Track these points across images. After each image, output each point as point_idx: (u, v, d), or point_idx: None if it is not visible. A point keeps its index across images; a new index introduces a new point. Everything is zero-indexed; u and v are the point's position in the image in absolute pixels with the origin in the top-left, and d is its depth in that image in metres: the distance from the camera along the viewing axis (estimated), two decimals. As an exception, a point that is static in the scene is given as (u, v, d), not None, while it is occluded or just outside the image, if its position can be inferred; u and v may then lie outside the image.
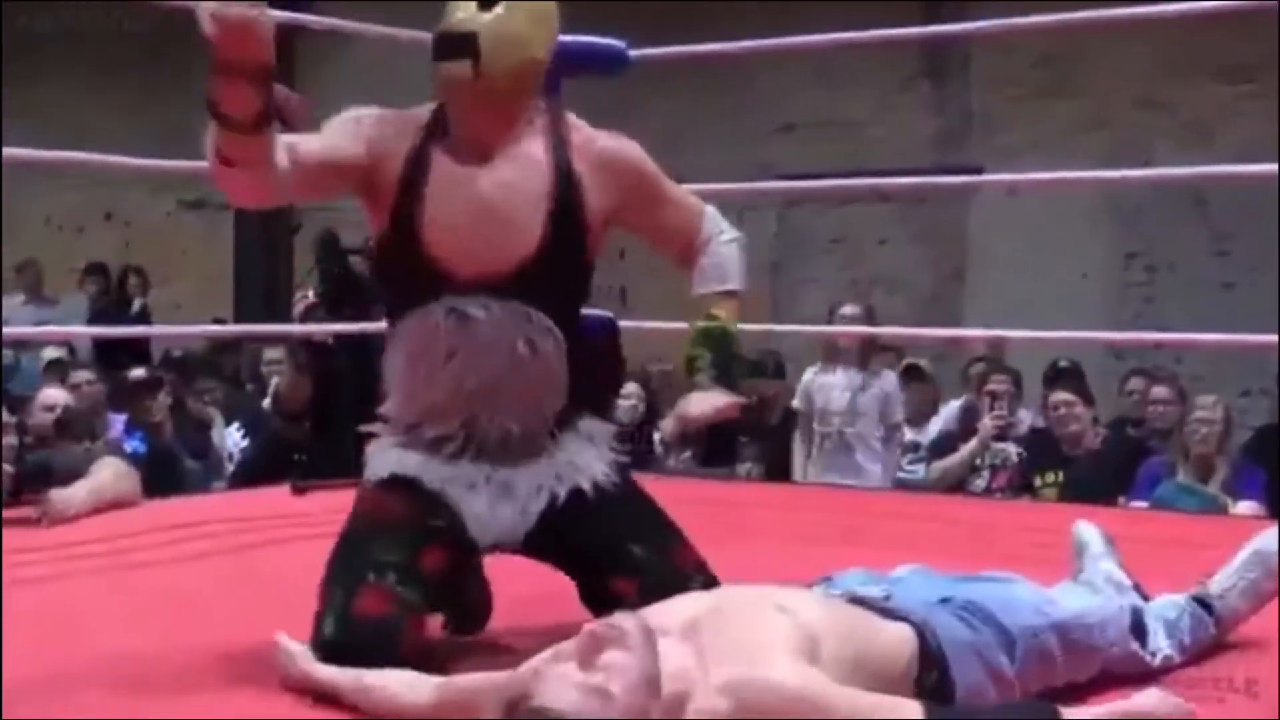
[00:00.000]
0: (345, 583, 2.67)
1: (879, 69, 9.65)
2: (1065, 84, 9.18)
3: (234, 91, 2.42)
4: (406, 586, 2.67)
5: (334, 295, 5.26)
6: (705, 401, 2.80)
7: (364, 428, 2.90)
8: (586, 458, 2.79)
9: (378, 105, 2.78)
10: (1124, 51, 8.78)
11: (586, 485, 2.76)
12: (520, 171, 2.70)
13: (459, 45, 2.64)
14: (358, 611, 2.62)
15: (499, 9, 2.64)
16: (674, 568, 2.71)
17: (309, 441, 5.62)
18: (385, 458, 2.80)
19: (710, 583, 2.66)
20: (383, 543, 2.69)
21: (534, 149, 2.73)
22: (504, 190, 2.69)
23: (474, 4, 2.65)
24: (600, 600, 2.68)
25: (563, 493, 2.74)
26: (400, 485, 2.76)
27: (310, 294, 5.38)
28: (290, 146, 2.58)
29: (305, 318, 5.50)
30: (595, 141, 2.78)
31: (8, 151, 3.99)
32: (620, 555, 2.70)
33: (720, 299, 2.91)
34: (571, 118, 2.81)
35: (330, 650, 2.60)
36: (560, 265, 2.72)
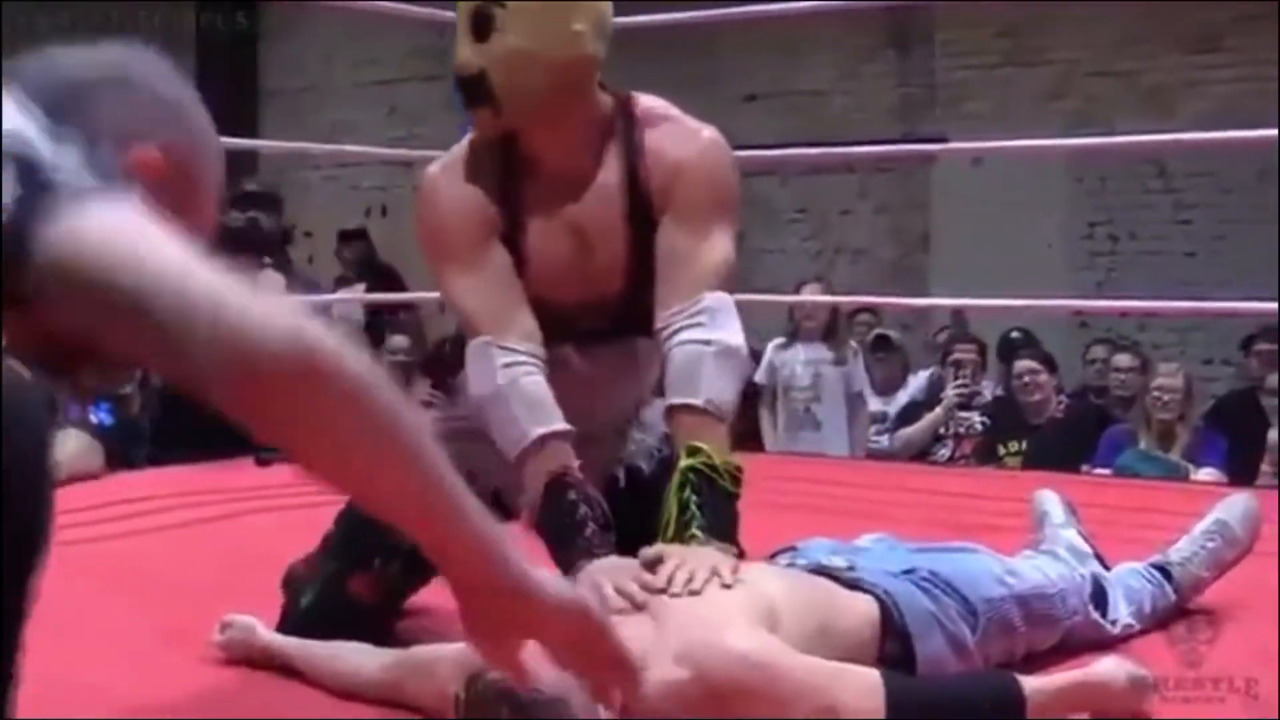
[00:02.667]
0: (345, 559, 2.62)
1: (843, 39, 9.65)
2: (1029, 54, 9.18)
3: None
4: (406, 574, 2.61)
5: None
6: (690, 561, 2.19)
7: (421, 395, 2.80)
8: (644, 440, 2.66)
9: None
10: (1087, 21, 8.79)
11: (644, 464, 2.63)
12: (602, 199, 2.49)
13: (473, 91, 2.43)
14: (347, 594, 2.59)
15: (498, 30, 2.40)
16: None
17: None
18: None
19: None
20: None
21: (609, 171, 2.49)
22: (592, 224, 2.48)
23: (469, 36, 2.43)
24: None
25: (621, 475, 2.61)
26: None
27: None
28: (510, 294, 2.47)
29: None
30: (668, 145, 2.49)
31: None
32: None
33: (695, 421, 2.40)
34: (645, 107, 2.53)
35: (300, 622, 2.58)
36: (647, 283, 2.52)
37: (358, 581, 2.61)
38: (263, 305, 1.09)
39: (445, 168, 2.53)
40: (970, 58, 9.41)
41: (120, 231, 1.07)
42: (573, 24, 2.43)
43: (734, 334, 2.46)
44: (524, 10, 2.41)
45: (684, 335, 2.42)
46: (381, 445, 1.20)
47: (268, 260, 4.78)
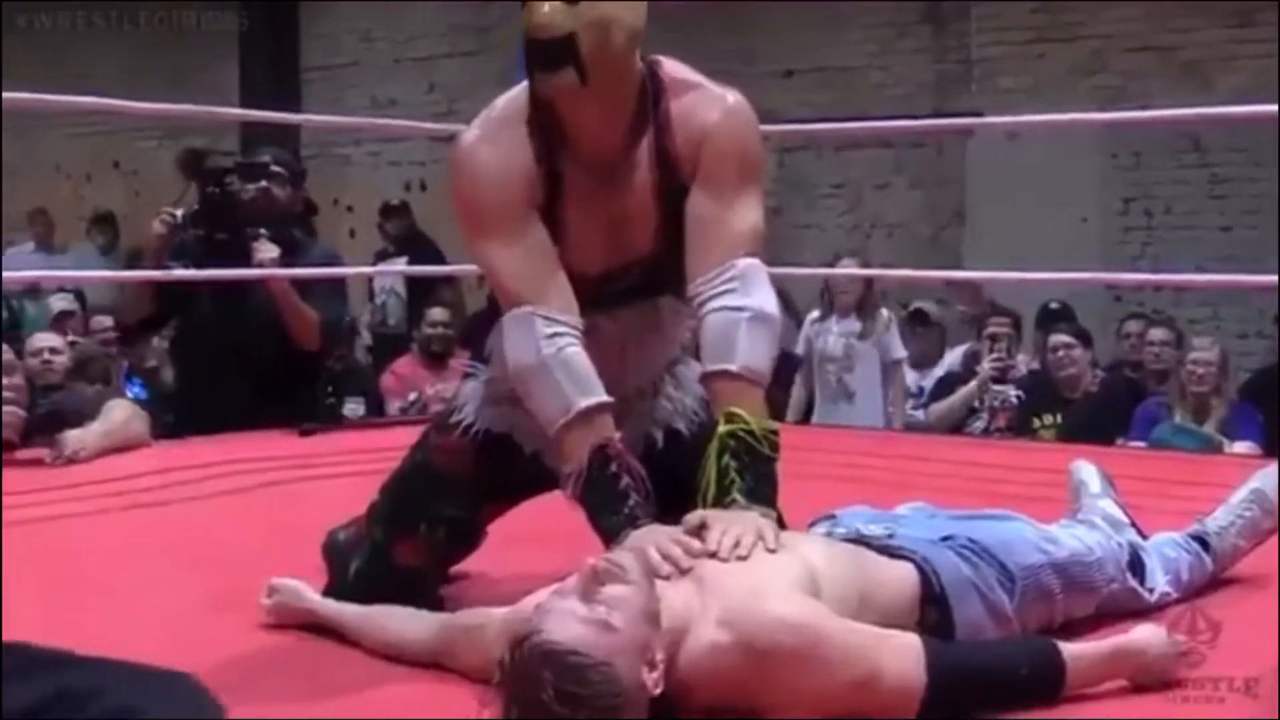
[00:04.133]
0: (391, 526, 2.64)
1: (879, 15, 9.59)
2: (1064, 29, 9.11)
3: None
4: (450, 541, 2.64)
5: (210, 216, 4.87)
6: (734, 527, 2.21)
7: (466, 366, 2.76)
8: (683, 400, 2.65)
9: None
10: (1123, -4, 8.73)
11: (683, 426, 2.61)
12: (632, 167, 2.46)
13: (558, 53, 2.33)
14: (394, 560, 2.61)
15: None
16: None
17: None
18: (479, 406, 2.63)
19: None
20: (449, 495, 2.62)
21: (639, 138, 2.45)
22: (623, 193, 2.47)
23: None
24: None
25: (659, 436, 2.60)
26: (490, 440, 2.60)
27: (178, 215, 4.83)
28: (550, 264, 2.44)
29: (167, 241, 4.77)
30: (693, 111, 2.47)
31: (19, 97, 4.00)
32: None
33: (732, 388, 2.40)
34: (670, 74, 2.50)
35: (349, 588, 2.60)
36: (677, 244, 2.49)
37: (403, 548, 2.62)
38: None
39: (482, 138, 2.48)
40: (1005, 33, 9.34)
41: None
42: None
43: (767, 299, 2.45)
44: None
45: (717, 302, 2.42)
46: None
47: (263, 232, 4.69)
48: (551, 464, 2.51)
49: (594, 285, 2.49)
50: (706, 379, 2.44)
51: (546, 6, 2.34)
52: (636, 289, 2.55)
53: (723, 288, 2.42)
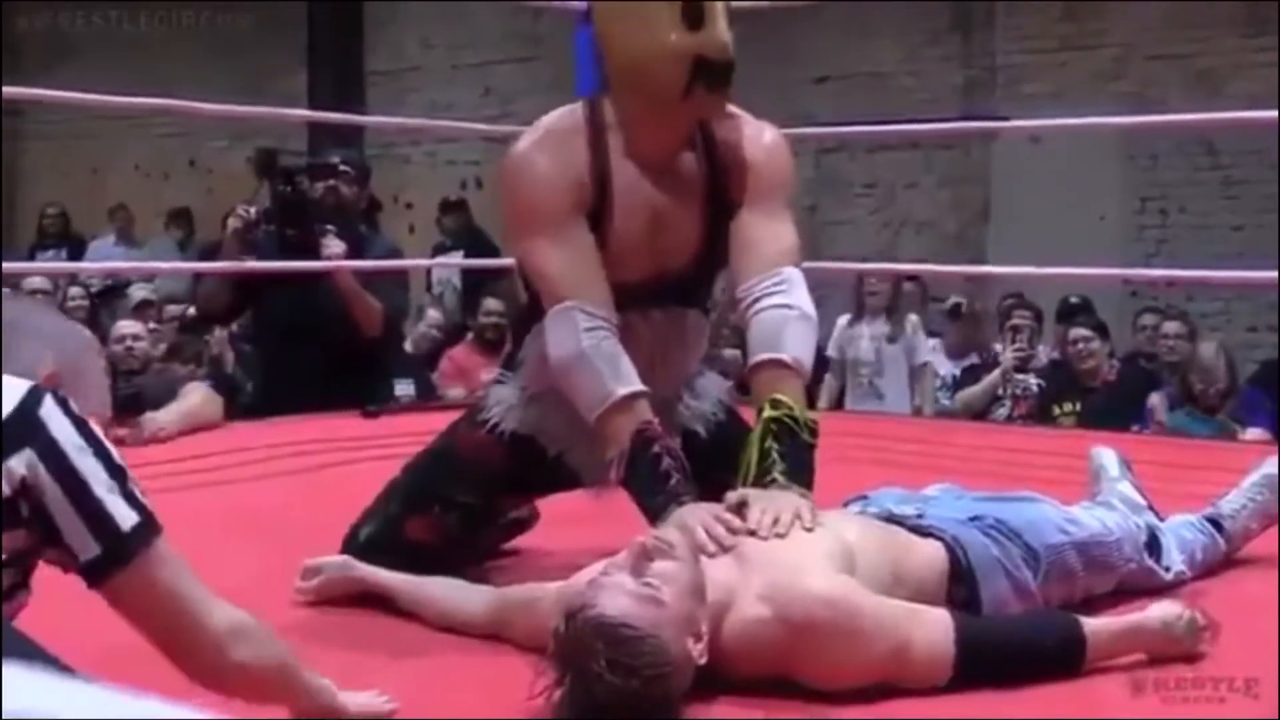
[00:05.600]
0: (406, 503, 2.67)
1: (909, 23, 9.55)
2: (1086, 37, 9.06)
3: None
4: (465, 525, 2.66)
5: (281, 213, 4.74)
6: (774, 505, 2.22)
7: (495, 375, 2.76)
8: (700, 407, 2.69)
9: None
10: (1142, 6, 8.66)
11: (700, 428, 2.66)
12: (681, 186, 2.54)
13: (730, 74, 2.45)
14: (404, 535, 2.63)
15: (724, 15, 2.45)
16: None
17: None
18: (508, 408, 2.65)
19: None
20: (467, 483, 2.64)
21: (687, 159, 2.55)
22: (670, 208, 2.53)
23: (726, 22, 2.43)
24: None
25: (678, 441, 2.59)
26: (515, 440, 2.63)
27: (251, 211, 4.84)
28: (593, 266, 2.48)
29: (242, 236, 4.74)
30: (741, 142, 2.57)
31: (95, 97, 4.01)
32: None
33: (778, 376, 2.44)
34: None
35: (356, 554, 2.61)
36: (712, 261, 2.60)
37: (415, 525, 2.65)
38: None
39: (536, 147, 2.52)
40: (1030, 41, 9.29)
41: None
42: None
43: (809, 303, 2.52)
44: None
45: (766, 301, 2.47)
46: None
47: (330, 228, 4.72)
48: (574, 465, 2.58)
49: (631, 290, 2.52)
50: (755, 368, 2.47)
51: (724, 27, 2.43)
52: (670, 296, 2.60)
53: (771, 289, 2.48)
